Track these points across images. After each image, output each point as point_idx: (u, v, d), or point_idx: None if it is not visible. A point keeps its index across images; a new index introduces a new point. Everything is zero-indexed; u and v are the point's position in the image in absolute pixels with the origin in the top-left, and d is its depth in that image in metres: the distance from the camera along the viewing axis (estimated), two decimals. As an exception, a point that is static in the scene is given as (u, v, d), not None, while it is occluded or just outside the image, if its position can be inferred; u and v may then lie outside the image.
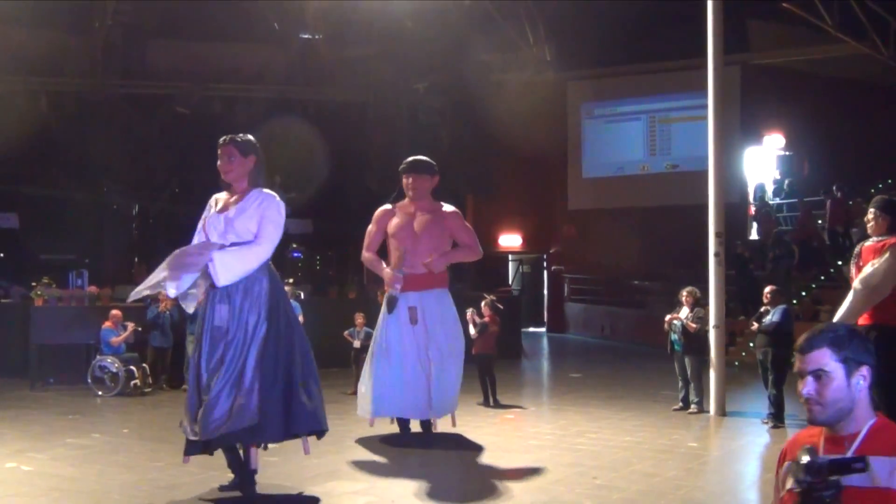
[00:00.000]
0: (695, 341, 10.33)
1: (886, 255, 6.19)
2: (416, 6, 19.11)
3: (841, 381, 2.57)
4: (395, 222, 8.44)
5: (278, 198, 6.31)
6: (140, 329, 12.67)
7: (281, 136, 18.14)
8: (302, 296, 14.07)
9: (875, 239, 6.40)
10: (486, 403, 11.15)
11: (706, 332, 10.32)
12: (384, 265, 8.42)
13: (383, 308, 8.35)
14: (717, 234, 10.40)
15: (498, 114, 20.19)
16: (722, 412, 10.14)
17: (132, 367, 12.09)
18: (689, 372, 10.37)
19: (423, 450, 8.08)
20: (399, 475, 7.03)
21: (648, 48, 21.03)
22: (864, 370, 2.59)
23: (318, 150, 18.86)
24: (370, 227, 8.60)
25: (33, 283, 13.82)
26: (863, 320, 6.28)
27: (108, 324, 12.36)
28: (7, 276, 16.64)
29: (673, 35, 19.44)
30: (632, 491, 6.55)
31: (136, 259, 19.76)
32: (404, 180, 8.51)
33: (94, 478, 6.97)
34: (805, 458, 2.44)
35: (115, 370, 11.95)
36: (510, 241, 24.40)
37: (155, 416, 10.61)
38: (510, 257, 25.13)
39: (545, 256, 24.77)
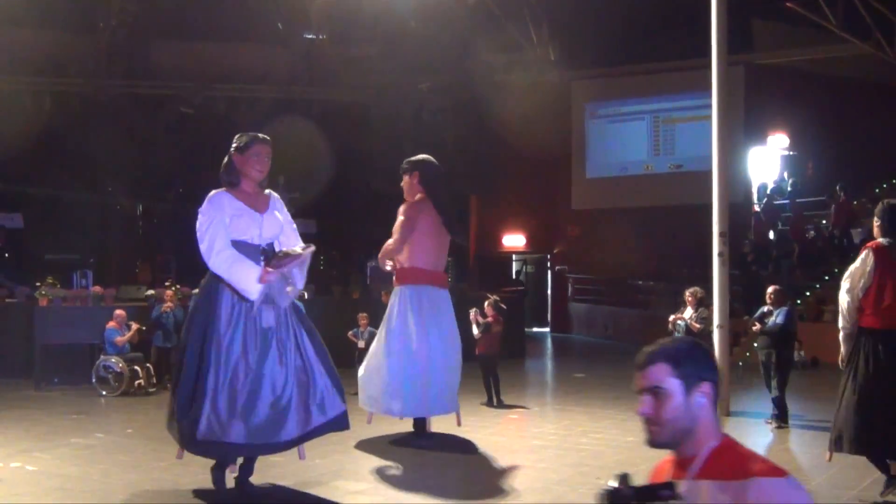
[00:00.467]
0: None
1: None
2: (421, 6, 19.11)
3: (679, 399, 2.38)
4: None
5: None
6: (144, 329, 12.68)
7: (285, 136, 18.09)
8: (306, 296, 14.07)
9: None
10: (489, 403, 11.13)
11: (710, 332, 10.30)
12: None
13: (402, 303, 8.39)
14: (721, 234, 10.39)
15: (502, 114, 20.20)
16: (726, 412, 10.12)
17: (136, 367, 12.10)
18: None
19: (427, 450, 8.08)
20: (403, 475, 7.03)
21: (652, 48, 21.02)
22: (706, 387, 2.39)
23: (321, 149, 18.87)
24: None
25: (38, 283, 13.83)
26: (869, 324, 6.30)
27: (112, 324, 12.38)
28: (12, 276, 16.67)
29: (677, 35, 19.44)
30: (636, 491, 6.54)
31: (140, 259, 19.77)
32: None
33: (99, 477, 6.97)
34: (611, 485, 2.31)
35: (119, 370, 11.97)
36: (514, 241, 24.40)
37: (159, 415, 10.58)
38: (514, 257, 25.13)
39: (549, 256, 24.77)
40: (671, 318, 10.55)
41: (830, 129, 20.56)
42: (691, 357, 2.42)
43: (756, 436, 9.23)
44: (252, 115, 20.06)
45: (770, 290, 10.00)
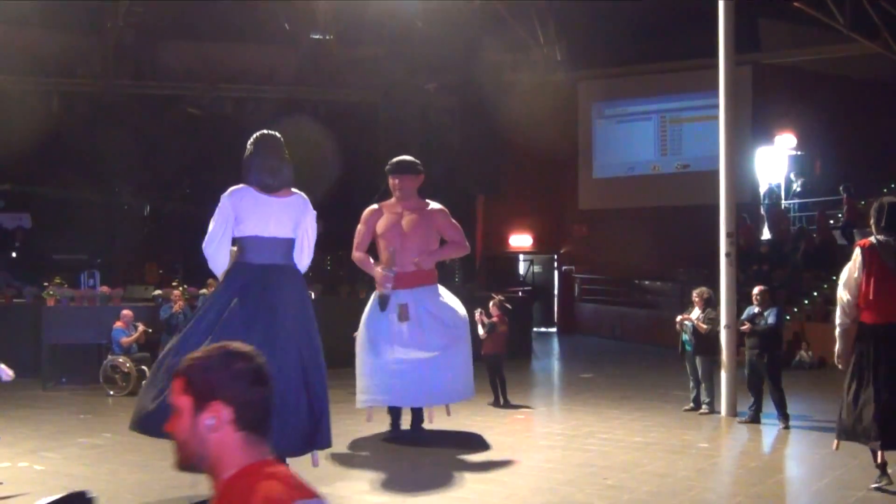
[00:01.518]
0: (705, 342, 10.30)
1: None
2: (427, 6, 19.12)
3: (187, 418, 2.11)
4: (383, 222, 8.55)
5: None
6: (150, 330, 12.71)
7: (291, 137, 18.02)
8: (313, 296, 14.06)
9: None
10: (496, 404, 11.14)
11: (717, 332, 10.29)
12: (374, 264, 8.50)
13: (369, 305, 8.47)
14: (729, 234, 10.38)
15: (508, 114, 20.18)
16: (733, 413, 10.10)
17: (143, 367, 12.11)
18: (699, 373, 10.35)
19: (433, 449, 8.08)
20: (409, 474, 7.04)
21: (659, 48, 21.00)
22: (217, 407, 2.08)
23: (328, 150, 18.87)
24: (359, 227, 8.70)
25: (45, 283, 13.87)
26: (863, 319, 6.53)
27: (119, 324, 12.40)
28: (20, 276, 16.72)
29: (684, 35, 19.40)
30: (642, 491, 6.54)
31: (147, 259, 19.81)
32: (391, 181, 8.66)
33: (106, 477, 6.99)
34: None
35: (126, 370, 12.00)
36: (521, 241, 24.38)
37: (166, 415, 10.64)
38: (521, 257, 25.10)
39: (556, 256, 24.74)
40: (678, 318, 10.55)
41: (838, 128, 20.51)
42: (209, 372, 2.11)
43: (763, 436, 9.21)
44: (259, 115, 20.09)
45: (756, 290, 10.01)
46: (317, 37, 21.33)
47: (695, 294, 10.61)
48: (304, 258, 6.29)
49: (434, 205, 8.66)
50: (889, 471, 6.56)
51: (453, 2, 19.16)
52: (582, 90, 23.02)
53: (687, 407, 10.50)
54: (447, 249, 8.68)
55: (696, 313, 10.37)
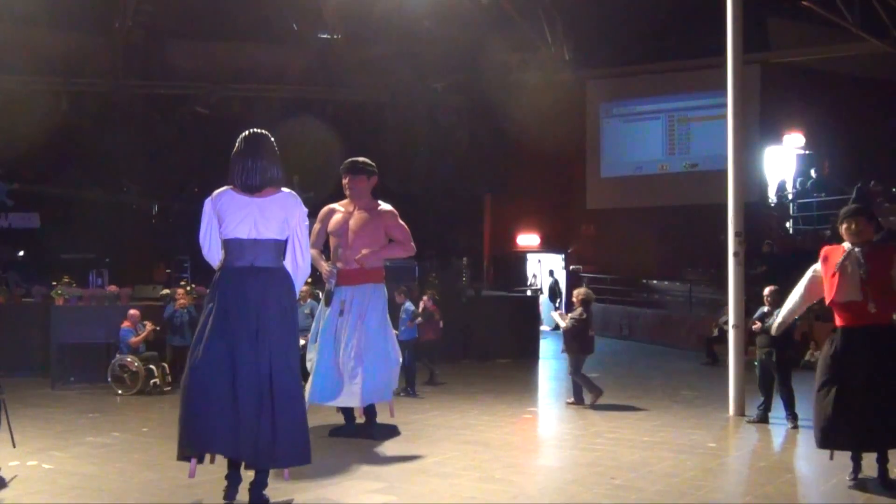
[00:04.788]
0: (570, 340, 10.95)
1: None
2: (435, 6, 19.13)
3: None
4: (334, 220, 8.71)
5: None
6: (158, 328, 12.73)
7: (299, 136, 18.19)
8: (320, 295, 14.08)
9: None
10: (431, 382, 12.55)
11: (581, 330, 10.88)
12: (323, 261, 8.66)
13: (321, 302, 8.71)
14: (737, 234, 10.35)
15: (516, 113, 20.19)
16: (741, 412, 10.09)
17: (152, 367, 12.15)
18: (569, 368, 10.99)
19: (438, 449, 8.07)
20: (416, 474, 7.03)
21: (667, 47, 20.98)
22: None
23: (335, 149, 18.89)
24: (315, 226, 8.71)
25: (54, 283, 13.91)
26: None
27: (126, 323, 12.43)
28: (28, 276, 16.78)
29: (692, 34, 19.39)
30: (650, 491, 6.53)
31: (155, 259, 19.86)
32: (343, 180, 8.74)
33: (115, 476, 7.00)
34: None
35: (134, 369, 12.02)
36: (528, 240, 24.37)
37: (174, 414, 10.61)
38: (527, 256, 25.09)
39: (563, 256, 24.72)
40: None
41: (847, 128, 20.46)
42: None
43: (772, 435, 9.19)
44: (266, 115, 20.13)
45: (767, 290, 9.95)
46: (325, 36, 21.38)
47: (574, 294, 11.21)
48: (298, 258, 6.07)
49: (384, 206, 8.73)
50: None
51: (461, 1, 19.16)
52: (590, 89, 22.99)
53: (569, 400, 10.99)
54: (390, 249, 8.69)
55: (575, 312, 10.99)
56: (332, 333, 8.35)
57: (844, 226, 6.73)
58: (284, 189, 5.99)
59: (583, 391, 10.93)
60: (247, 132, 6.06)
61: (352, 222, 8.59)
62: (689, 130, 22.06)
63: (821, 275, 6.76)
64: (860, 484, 6.61)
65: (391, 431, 8.72)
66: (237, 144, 6.00)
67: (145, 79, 20.32)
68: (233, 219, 5.80)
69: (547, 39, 21.36)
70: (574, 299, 11.21)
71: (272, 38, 20.74)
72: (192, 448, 5.86)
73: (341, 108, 21.22)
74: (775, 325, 7.45)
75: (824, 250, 6.85)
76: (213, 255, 6.06)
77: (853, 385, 6.42)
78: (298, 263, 6.06)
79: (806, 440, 8.52)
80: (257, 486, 5.84)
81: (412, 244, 8.78)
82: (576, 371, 10.93)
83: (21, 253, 18.69)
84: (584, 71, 22.06)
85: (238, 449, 5.66)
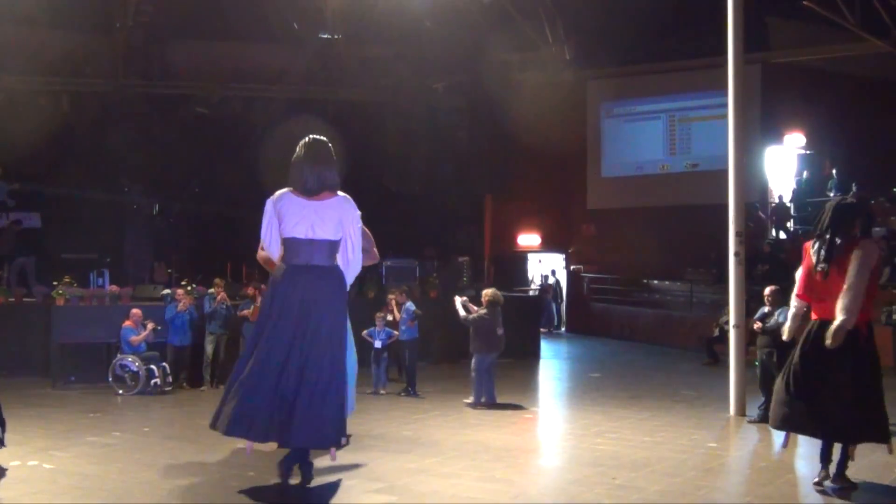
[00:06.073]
0: (475, 340, 10.96)
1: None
2: (435, 5, 19.13)
3: None
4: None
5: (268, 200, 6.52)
6: (160, 328, 12.73)
7: (300, 136, 18.13)
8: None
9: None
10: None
11: (489, 330, 10.88)
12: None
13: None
14: (738, 234, 10.35)
15: (517, 113, 20.17)
16: (742, 412, 10.09)
17: (153, 366, 12.15)
18: (473, 368, 10.87)
19: (440, 449, 8.08)
20: (416, 474, 7.03)
21: (668, 47, 20.97)
22: None
23: (336, 149, 18.89)
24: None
25: (55, 283, 13.92)
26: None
27: (128, 323, 12.43)
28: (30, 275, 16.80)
29: (693, 34, 19.39)
30: (651, 491, 6.53)
31: (156, 258, 19.86)
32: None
33: (116, 476, 7.00)
34: None
35: (135, 369, 12.03)
36: (529, 240, 24.36)
37: (175, 414, 10.67)
38: (527, 256, 25.08)
39: (564, 256, 24.71)
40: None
41: (847, 127, 20.44)
42: None
43: (772, 435, 9.18)
44: (267, 114, 20.14)
45: (768, 290, 9.96)
46: (325, 36, 21.36)
47: (482, 294, 11.16)
48: (351, 258, 6.49)
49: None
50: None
51: (462, 1, 19.15)
52: (590, 89, 22.98)
53: (467, 401, 10.88)
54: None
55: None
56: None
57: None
58: (340, 193, 6.48)
59: (491, 390, 10.90)
60: (307, 139, 6.62)
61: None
62: (689, 130, 22.04)
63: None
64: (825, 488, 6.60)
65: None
66: (297, 150, 6.49)
67: (145, 79, 20.31)
68: (291, 220, 6.24)
69: (548, 39, 21.35)
70: (482, 299, 11.07)
71: (272, 38, 20.72)
72: (240, 433, 6.19)
73: (341, 108, 21.19)
74: (785, 330, 7.34)
75: (806, 245, 6.89)
76: (273, 250, 6.44)
77: (810, 373, 6.56)
78: (350, 261, 6.50)
79: (806, 440, 8.51)
80: (308, 467, 6.40)
81: (375, 250, 8.43)
82: (476, 369, 10.85)
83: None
84: (584, 71, 22.04)
85: (292, 434, 6.04)
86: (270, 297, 6.35)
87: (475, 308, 11.07)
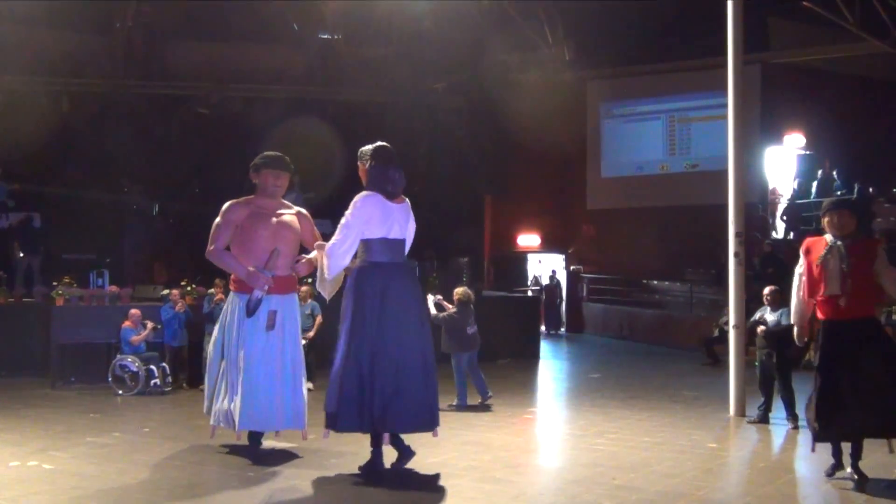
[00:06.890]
0: (447, 339, 10.80)
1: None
2: (435, 6, 19.12)
3: None
4: (252, 221, 7.70)
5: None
6: (159, 326, 12.73)
7: (299, 137, 18.20)
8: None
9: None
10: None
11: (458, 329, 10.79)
12: (244, 263, 7.62)
13: (231, 311, 7.73)
14: (737, 234, 10.36)
15: (516, 113, 20.17)
16: (742, 413, 10.09)
17: (152, 367, 12.15)
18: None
19: (439, 449, 8.07)
20: (415, 475, 7.03)
21: (668, 47, 20.97)
22: None
23: (336, 150, 18.91)
24: (219, 221, 7.71)
25: (55, 283, 13.91)
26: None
27: (127, 323, 12.43)
28: (29, 274, 16.81)
29: (692, 34, 19.38)
30: (651, 491, 6.53)
31: (156, 259, 19.85)
32: (269, 177, 7.83)
33: (115, 476, 7.00)
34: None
35: (135, 369, 12.02)
36: (529, 240, 24.37)
37: (175, 415, 10.66)
38: (527, 256, 25.08)
39: (564, 256, 24.72)
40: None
41: (847, 128, 20.44)
42: None
43: (772, 436, 9.19)
44: (267, 115, 20.13)
45: (767, 290, 9.95)
46: (325, 37, 21.36)
47: (454, 293, 11.03)
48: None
49: (297, 207, 8.15)
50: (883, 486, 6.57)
51: (461, 1, 19.15)
52: (590, 90, 22.99)
53: (451, 404, 10.57)
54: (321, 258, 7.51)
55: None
56: (264, 349, 7.49)
57: (827, 218, 6.78)
58: (404, 197, 7.06)
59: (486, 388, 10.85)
60: (378, 145, 7.09)
61: (279, 224, 7.77)
62: (689, 130, 22.06)
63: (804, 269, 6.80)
64: (842, 480, 6.67)
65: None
66: (376, 158, 7.01)
67: (145, 79, 20.31)
68: (383, 221, 6.75)
69: (547, 39, 21.36)
70: (454, 298, 10.94)
71: (272, 38, 20.72)
72: (342, 428, 6.72)
73: (341, 108, 21.18)
74: (795, 334, 7.18)
75: (806, 242, 6.89)
76: (350, 253, 6.83)
77: (841, 380, 6.51)
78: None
79: (806, 441, 8.52)
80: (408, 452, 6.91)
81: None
82: (455, 369, 10.81)
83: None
84: (584, 71, 22.05)
85: (400, 421, 6.69)
86: (359, 296, 6.67)
87: (449, 306, 10.95)
